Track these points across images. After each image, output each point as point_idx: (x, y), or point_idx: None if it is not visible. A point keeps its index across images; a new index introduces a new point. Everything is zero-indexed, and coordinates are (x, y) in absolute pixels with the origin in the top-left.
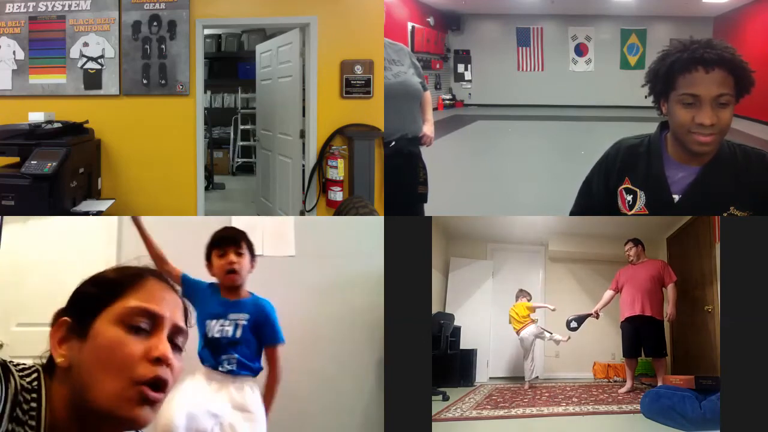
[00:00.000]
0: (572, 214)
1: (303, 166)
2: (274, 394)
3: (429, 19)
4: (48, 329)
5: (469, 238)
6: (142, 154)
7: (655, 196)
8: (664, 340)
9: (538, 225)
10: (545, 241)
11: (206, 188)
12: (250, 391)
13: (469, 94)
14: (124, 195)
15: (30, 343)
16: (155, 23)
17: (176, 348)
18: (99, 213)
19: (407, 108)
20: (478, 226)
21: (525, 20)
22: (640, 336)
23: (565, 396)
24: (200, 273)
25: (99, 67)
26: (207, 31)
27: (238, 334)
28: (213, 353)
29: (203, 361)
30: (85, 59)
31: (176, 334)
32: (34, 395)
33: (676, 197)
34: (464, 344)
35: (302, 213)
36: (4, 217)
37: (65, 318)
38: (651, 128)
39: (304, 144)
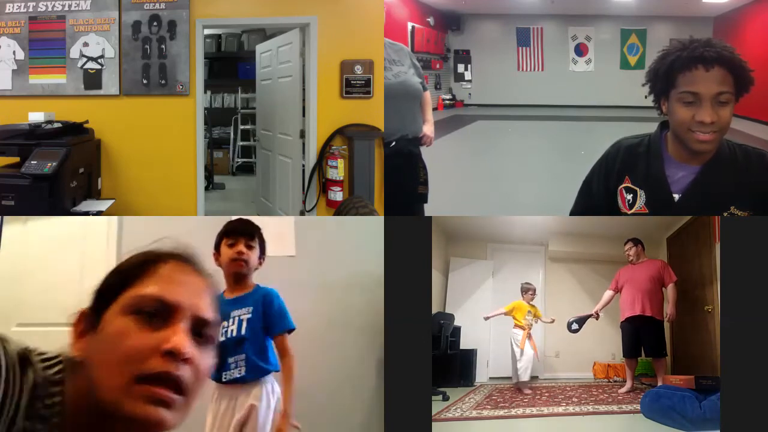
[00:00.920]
0: (572, 214)
1: (303, 166)
2: (292, 388)
3: (429, 19)
4: (48, 329)
5: (469, 238)
6: (142, 154)
7: (655, 196)
8: (664, 340)
9: (538, 225)
10: (545, 241)
11: (206, 188)
12: (270, 396)
13: (469, 94)
14: (124, 195)
15: (30, 343)
16: (155, 23)
17: (203, 341)
18: (99, 213)
19: (407, 108)
20: (478, 226)
21: (525, 20)
22: (640, 336)
23: (565, 396)
24: None
25: (99, 67)
26: (207, 31)
27: (243, 330)
28: (218, 362)
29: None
30: (85, 59)
31: (200, 324)
32: (58, 388)
33: (676, 196)
34: (464, 344)
35: (302, 213)
36: (4, 217)
37: (84, 310)
38: (651, 128)
39: (304, 144)
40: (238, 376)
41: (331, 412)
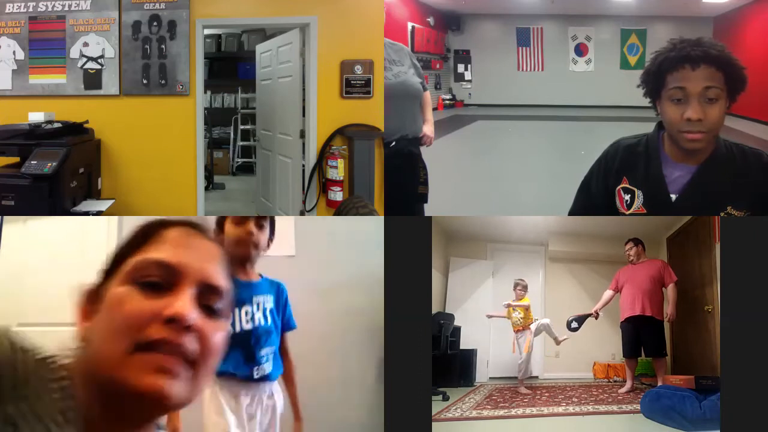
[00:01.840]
0: (571, 213)
1: (303, 166)
2: (296, 386)
3: (429, 19)
4: (48, 329)
5: (469, 238)
6: (142, 154)
7: (652, 196)
8: (664, 340)
9: (538, 225)
10: (545, 241)
11: (206, 188)
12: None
13: (469, 94)
14: (124, 195)
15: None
16: (155, 23)
17: (211, 312)
18: (99, 213)
19: (407, 108)
20: (478, 226)
21: (525, 20)
22: (640, 336)
23: (565, 396)
24: None
25: (99, 67)
26: (207, 31)
27: (269, 320)
28: (249, 353)
29: (230, 372)
30: (85, 59)
31: (209, 292)
32: (65, 383)
33: (674, 196)
34: (464, 344)
35: (302, 213)
36: (4, 217)
37: (88, 288)
38: (650, 128)
39: (304, 144)
40: (269, 371)
41: (330, 412)
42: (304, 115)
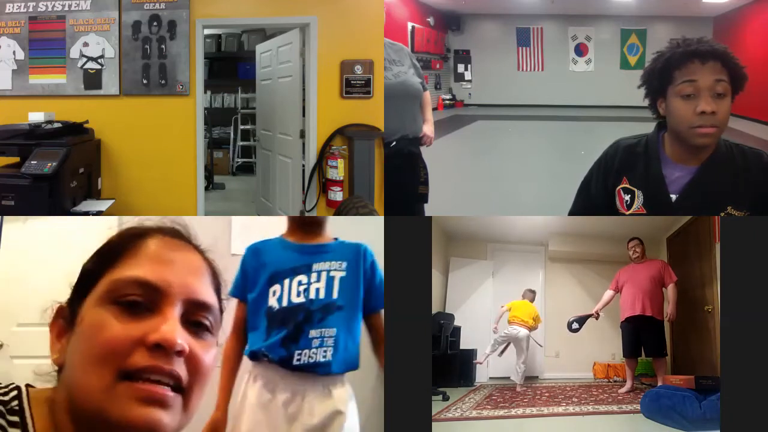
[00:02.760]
0: (571, 214)
1: (303, 166)
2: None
3: (429, 19)
4: (47, 329)
5: (469, 238)
6: (142, 154)
7: (652, 196)
8: (664, 340)
9: (538, 225)
10: (545, 241)
11: (206, 188)
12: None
13: (469, 94)
14: (124, 195)
15: (30, 343)
16: (155, 23)
17: (199, 329)
18: (99, 213)
19: (407, 108)
20: (478, 226)
21: (525, 20)
22: (640, 336)
23: (565, 396)
24: None
25: (99, 67)
26: (207, 31)
27: (335, 292)
28: (289, 334)
29: (265, 355)
30: (85, 59)
31: (195, 309)
32: (15, 418)
33: (674, 197)
34: (464, 344)
35: (302, 213)
36: (4, 217)
37: (61, 304)
38: (651, 128)
39: (304, 144)
40: (322, 360)
41: None
42: (304, 115)
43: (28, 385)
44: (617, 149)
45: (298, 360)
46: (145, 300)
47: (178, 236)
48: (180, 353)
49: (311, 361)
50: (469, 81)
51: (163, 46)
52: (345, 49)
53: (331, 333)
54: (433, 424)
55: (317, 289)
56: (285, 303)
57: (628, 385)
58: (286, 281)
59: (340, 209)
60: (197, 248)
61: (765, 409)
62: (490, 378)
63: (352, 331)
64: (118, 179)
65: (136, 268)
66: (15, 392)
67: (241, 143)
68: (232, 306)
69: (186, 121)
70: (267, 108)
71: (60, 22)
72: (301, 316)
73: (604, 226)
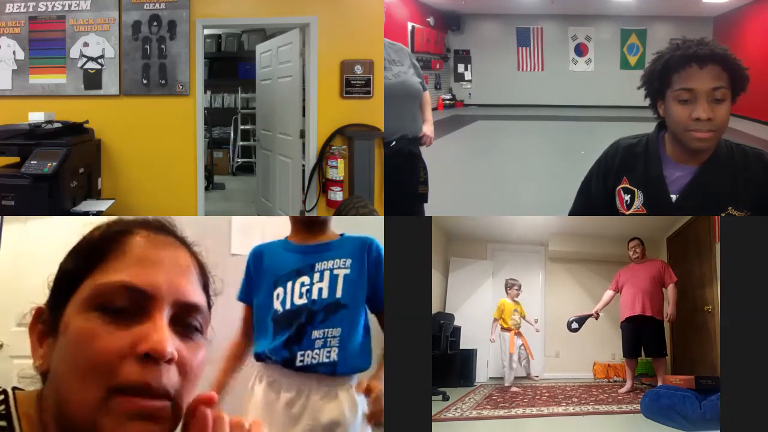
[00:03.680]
0: (571, 214)
1: (303, 166)
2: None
3: (429, 19)
4: None
5: (469, 238)
6: (142, 154)
7: (652, 196)
8: (664, 340)
9: (538, 225)
10: (545, 241)
11: (206, 188)
12: (350, 407)
13: (469, 94)
14: (124, 195)
15: (30, 343)
16: (155, 23)
17: (188, 330)
18: (99, 213)
19: (407, 108)
20: (478, 226)
21: (525, 20)
22: (640, 336)
23: (565, 396)
24: None
25: (99, 67)
26: (207, 31)
27: (339, 290)
28: (291, 336)
29: (269, 357)
30: (85, 59)
31: (184, 311)
32: (3, 423)
33: (674, 197)
34: (464, 344)
35: (302, 213)
36: (4, 217)
37: (41, 307)
38: (651, 128)
39: (304, 144)
40: (326, 361)
41: None
42: (304, 115)
43: (15, 388)
44: (617, 149)
45: (301, 361)
46: (133, 306)
47: (164, 231)
48: (170, 361)
49: (314, 361)
50: (469, 81)
51: (163, 46)
52: (345, 49)
53: (336, 333)
54: (433, 424)
55: (320, 289)
56: (288, 306)
57: (628, 385)
58: (289, 284)
59: (340, 209)
60: (184, 242)
61: (765, 409)
62: (490, 378)
63: (359, 329)
64: (118, 179)
65: (122, 272)
66: (2, 396)
67: (241, 143)
68: (237, 307)
69: (186, 121)
70: (267, 108)
71: (60, 22)
72: (304, 317)
73: (604, 226)
